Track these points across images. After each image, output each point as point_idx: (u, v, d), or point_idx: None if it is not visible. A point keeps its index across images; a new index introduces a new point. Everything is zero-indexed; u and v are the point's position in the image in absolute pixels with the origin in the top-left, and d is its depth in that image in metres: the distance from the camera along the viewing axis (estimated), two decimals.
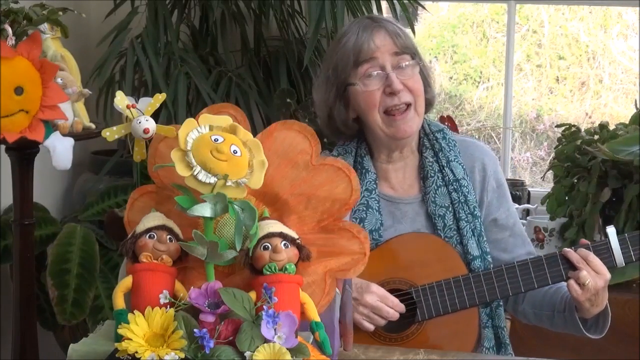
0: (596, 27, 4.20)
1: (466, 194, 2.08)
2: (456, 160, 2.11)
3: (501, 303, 2.10)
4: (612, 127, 2.96)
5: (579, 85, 4.25)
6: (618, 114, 4.06)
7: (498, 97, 4.24)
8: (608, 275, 1.94)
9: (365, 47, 2.04)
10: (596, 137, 2.92)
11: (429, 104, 2.13)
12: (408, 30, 2.17)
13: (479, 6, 4.30)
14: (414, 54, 2.07)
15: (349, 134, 2.14)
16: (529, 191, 3.37)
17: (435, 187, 2.09)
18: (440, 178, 2.09)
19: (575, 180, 2.93)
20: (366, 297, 1.94)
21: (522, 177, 4.00)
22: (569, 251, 1.97)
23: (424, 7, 3.28)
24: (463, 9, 4.28)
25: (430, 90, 2.12)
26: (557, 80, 4.29)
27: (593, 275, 1.92)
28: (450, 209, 2.08)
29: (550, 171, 3.07)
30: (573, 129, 3.00)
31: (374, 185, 2.09)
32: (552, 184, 3.06)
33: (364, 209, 2.07)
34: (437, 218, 2.07)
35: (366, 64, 2.04)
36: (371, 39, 2.04)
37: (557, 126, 3.15)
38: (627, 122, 2.96)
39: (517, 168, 4.16)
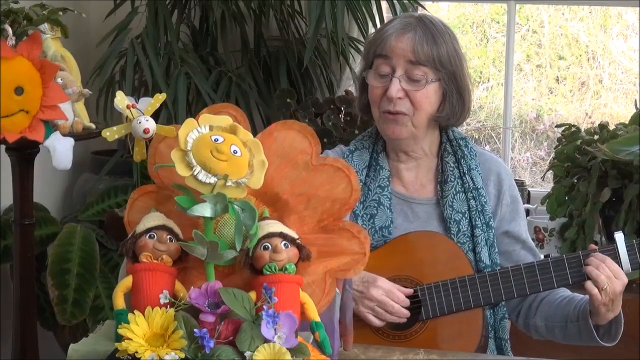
0: (596, 27, 4.20)
1: (483, 203, 2.08)
2: (476, 169, 2.11)
3: (506, 315, 2.10)
4: (612, 127, 2.96)
5: (579, 85, 4.25)
6: (618, 114, 4.06)
7: (498, 97, 4.24)
8: (626, 280, 1.93)
9: (386, 44, 2.03)
10: (596, 137, 2.92)
11: (443, 122, 2.08)
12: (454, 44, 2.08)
13: (479, 6, 4.29)
14: (438, 68, 2.02)
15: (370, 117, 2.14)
16: (529, 191, 3.37)
17: (454, 192, 2.08)
18: (460, 184, 2.09)
19: (575, 180, 2.93)
20: (372, 291, 1.94)
21: (522, 177, 4.00)
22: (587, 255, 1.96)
23: (424, 7, 3.28)
24: (463, 9, 4.28)
25: (446, 109, 2.05)
26: (557, 80, 4.28)
27: (612, 280, 1.92)
28: (466, 215, 2.07)
29: (550, 171, 3.07)
30: (573, 129, 3.00)
31: (387, 182, 2.09)
32: (552, 184, 3.06)
33: (376, 205, 2.07)
34: (452, 222, 2.07)
35: (381, 59, 2.04)
36: (395, 38, 2.02)
37: (557, 126, 3.15)
38: (627, 122, 2.96)
39: (517, 168, 4.16)
